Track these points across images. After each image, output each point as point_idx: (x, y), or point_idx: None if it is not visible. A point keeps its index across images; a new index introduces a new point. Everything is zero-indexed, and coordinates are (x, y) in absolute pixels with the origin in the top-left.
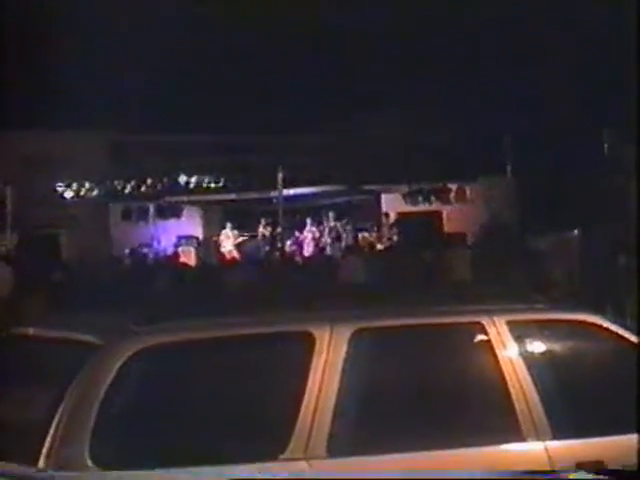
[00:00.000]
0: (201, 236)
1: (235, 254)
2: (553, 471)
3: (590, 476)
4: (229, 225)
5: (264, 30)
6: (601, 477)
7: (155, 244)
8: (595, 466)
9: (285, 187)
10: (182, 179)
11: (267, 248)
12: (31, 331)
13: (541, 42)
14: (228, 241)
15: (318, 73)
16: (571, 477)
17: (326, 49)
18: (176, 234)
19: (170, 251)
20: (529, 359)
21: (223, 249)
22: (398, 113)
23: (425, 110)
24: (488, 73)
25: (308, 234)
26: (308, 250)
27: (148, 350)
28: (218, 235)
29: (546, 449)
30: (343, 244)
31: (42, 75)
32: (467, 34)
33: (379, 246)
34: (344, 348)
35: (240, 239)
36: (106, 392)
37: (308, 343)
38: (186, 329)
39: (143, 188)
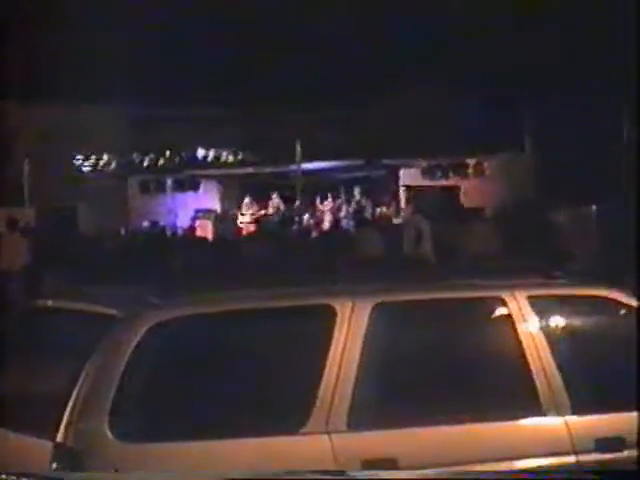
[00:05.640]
0: (219, 209)
1: (252, 227)
2: (554, 471)
3: (590, 476)
4: (249, 198)
5: (290, 8)
6: (601, 477)
7: (173, 217)
8: (615, 442)
9: (303, 161)
10: (200, 153)
11: (285, 222)
12: (50, 303)
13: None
14: (248, 213)
15: (338, 49)
16: (572, 477)
17: (343, 29)
18: (194, 207)
19: (187, 224)
20: (549, 334)
21: (242, 220)
22: (417, 88)
23: (443, 85)
24: (508, 48)
25: (326, 208)
26: (325, 224)
27: (167, 323)
28: (237, 209)
29: (566, 424)
30: (360, 218)
31: (59, 48)
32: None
33: (396, 220)
34: (365, 322)
35: (260, 212)
36: (126, 364)
37: (330, 316)
38: (206, 302)
39: (161, 161)
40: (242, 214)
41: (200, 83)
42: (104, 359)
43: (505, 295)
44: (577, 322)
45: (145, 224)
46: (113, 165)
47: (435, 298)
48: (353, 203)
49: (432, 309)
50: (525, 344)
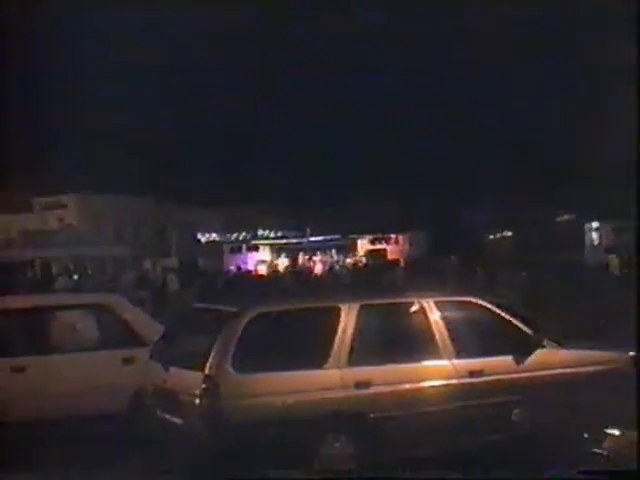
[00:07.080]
0: (268, 261)
1: (285, 269)
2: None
3: (590, 476)
4: (283, 255)
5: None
6: (601, 477)
7: (245, 265)
8: (479, 373)
9: (310, 236)
10: (259, 232)
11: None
12: (202, 305)
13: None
14: (283, 265)
15: (322, 172)
16: (571, 477)
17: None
18: (256, 259)
19: (253, 268)
20: (444, 318)
21: (278, 267)
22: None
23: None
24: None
25: (321, 259)
26: (319, 268)
27: (260, 314)
28: (277, 260)
29: (452, 364)
30: (338, 265)
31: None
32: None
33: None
34: (355, 314)
35: (287, 263)
36: (240, 335)
37: (337, 311)
38: (280, 304)
39: (240, 237)
40: (279, 264)
41: (266, 196)
42: (230, 332)
43: (423, 300)
44: (458, 313)
45: (232, 268)
46: (216, 238)
47: (390, 302)
48: (334, 257)
49: (389, 308)
50: (433, 323)
